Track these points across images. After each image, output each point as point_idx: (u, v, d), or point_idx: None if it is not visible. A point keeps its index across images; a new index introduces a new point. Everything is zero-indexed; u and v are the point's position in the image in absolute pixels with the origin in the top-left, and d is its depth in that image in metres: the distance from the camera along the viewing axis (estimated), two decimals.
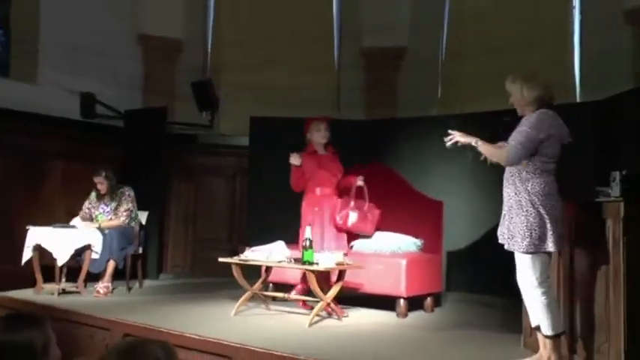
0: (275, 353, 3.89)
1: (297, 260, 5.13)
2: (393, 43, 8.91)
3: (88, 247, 6.16)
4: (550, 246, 3.53)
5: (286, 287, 5.77)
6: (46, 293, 5.99)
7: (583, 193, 3.82)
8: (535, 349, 4.08)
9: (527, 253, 3.57)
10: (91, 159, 7.07)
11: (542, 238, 3.53)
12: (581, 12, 6.94)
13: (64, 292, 6.05)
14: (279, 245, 5.36)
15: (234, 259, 5.38)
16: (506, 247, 3.73)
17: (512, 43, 7.48)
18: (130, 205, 6.55)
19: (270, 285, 5.95)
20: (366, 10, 8.95)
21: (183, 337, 4.32)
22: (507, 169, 3.77)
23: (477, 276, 6.64)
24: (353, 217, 5.61)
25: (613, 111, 6.07)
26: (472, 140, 3.86)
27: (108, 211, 6.53)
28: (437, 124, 5.04)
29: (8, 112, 7.51)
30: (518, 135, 3.66)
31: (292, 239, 5.63)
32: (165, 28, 8.91)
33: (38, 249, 6.09)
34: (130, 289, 6.46)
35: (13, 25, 8.28)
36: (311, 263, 4.99)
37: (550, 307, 3.58)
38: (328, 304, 5.14)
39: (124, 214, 6.48)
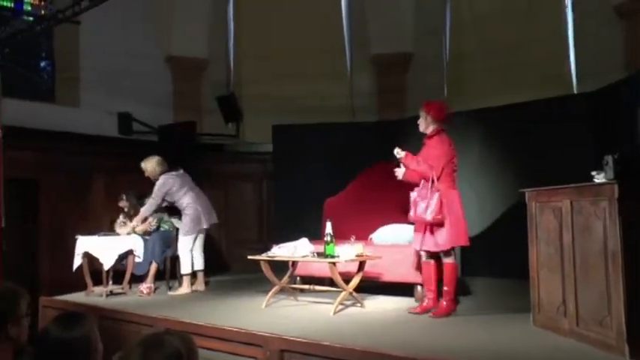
0: (302, 341, 3.88)
1: (320, 254, 5.10)
2: (399, 49, 8.91)
3: (130, 252, 6.25)
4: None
5: (312, 280, 5.75)
6: (95, 295, 6.08)
7: (582, 179, 3.74)
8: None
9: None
10: (130, 172, 7.15)
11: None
12: (574, 9, 6.82)
13: (111, 293, 6.13)
14: (303, 241, 5.34)
15: (262, 256, 5.38)
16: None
17: (510, 41, 7.41)
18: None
19: (298, 278, 5.94)
20: (374, 20, 8.95)
21: (217, 329, 4.34)
22: None
23: (489, 261, 6.57)
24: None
25: (608, 100, 5.97)
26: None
27: None
28: None
29: (56, 134, 7.68)
30: (156, 189, 6.30)
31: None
32: (191, 48, 9.03)
33: (87, 256, 6.19)
34: (170, 287, 6.52)
35: (56, 55, 8.50)
36: (333, 256, 4.98)
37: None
38: (350, 293, 5.11)
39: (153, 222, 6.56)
